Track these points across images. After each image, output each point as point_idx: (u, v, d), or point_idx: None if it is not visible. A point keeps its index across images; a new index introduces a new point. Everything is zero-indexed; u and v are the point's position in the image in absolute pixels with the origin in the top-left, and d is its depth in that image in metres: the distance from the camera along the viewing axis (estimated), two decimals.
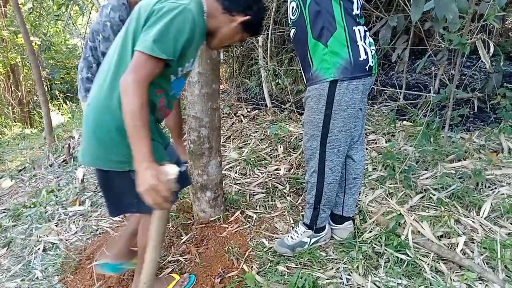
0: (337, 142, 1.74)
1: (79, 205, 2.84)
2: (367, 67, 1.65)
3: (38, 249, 2.31)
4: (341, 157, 1.81)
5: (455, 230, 1.93)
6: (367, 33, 1.70)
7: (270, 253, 1.98)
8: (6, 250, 2.39)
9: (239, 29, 1.38)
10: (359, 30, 1.64)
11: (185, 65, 1.33)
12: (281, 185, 2.65)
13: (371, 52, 1.67)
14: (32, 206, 2.92)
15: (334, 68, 1.61)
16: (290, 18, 1.74)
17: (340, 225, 2.02)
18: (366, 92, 1.76)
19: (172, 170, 1.15)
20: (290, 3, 1.71)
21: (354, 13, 1.62)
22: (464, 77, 3.67)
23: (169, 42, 1.17)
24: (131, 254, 1.79)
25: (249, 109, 4.18)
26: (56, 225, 2.59)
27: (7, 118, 9.26)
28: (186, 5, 1.19)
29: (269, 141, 3.31)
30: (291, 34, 1.78)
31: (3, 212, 2.98)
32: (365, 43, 1.66)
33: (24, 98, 9.92)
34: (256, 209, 2.38)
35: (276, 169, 2.86)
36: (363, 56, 1.63)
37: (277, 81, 4.16)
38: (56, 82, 10.79)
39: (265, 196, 2.53)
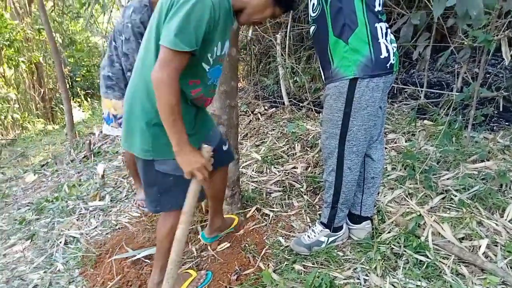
0: (356, 140, 1.72)
1: (99, 200, 2.90)
2: (388, 65, 1.62)
3: (60, 242, 2.38)
4: (359, 156, 1.78)
5: (477, 232, 1.88)
6: (389, 30, 1.67)
7: (286, 251, 1.97)
8: (30, 242, 2.46)
9: (270, 3, 1.38)
10: (381, 27, 1.61)
11: (214, 49, 1.35)
12: (298, 183, 2.63)
13: (393, 49, 1.64)
14: (54, 200, 3.00)
15: (355, 65, 1.59)
16: (311, 15, 1.72)
17: (358, 225, 1.99)
18: (387, 90, 1.73)
19: (209, 149, 1.42)
20: (310, 0, 1.70)
21: (376, 9, 1.59)
22: (488, 75, 3.56)
23: (190, 33, 1.20)
24: (223, 227, 2.06)
25: (266, 107, 4.17)
26: (77, 220, 2.65)
27: (30, 114, 9.54)
28: None
29: (286, 139, 3.30)
30: (311, 31, 1.76)
31: (27, 206, 3.08)
32: (387, 40, 1.63)
33: (47, 94, 10.18)
34: (273, 207, 2.38)
35: (293, 168, 2.85)
36: (384, 54, 1.60)
37: (295, 79, 4.13)
38: (77, 79, 11.04)
39: (281, 195, 2.52)
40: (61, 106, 8.37)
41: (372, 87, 1.61)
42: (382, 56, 1.60)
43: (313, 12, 1.69)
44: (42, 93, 9.95)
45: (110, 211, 2.72)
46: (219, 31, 1.31)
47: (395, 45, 1.68)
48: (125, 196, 2.92)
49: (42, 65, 9.96)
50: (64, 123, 6.69)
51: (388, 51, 1.61)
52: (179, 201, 1.52)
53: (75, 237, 2.42)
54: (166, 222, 1.58)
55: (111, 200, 2.87)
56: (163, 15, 1.25)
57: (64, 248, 2.33)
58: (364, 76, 1.59)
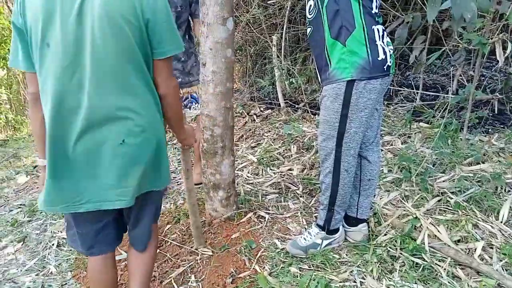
0: (354, 143, 1.71)
1: None
2: (385, 67, 1.62)
3: (53, 244, 2.34)
4: (356, 158, 1.78)
5: (473, 235, 1.88)
6: (385, 33, 1.67)
7: (282, 254, 1.96)
8: (22, 245, 2.42)
9: None
10: (378, 29, 1.61)
11: None
12: (294, 185, 2.62)
13: (389, 51, 1.64)
14: None
15: (352, 68, 1.58)
16: (307, 16, 1.72)
17: (354, 227, 1.98)
18: (383, 92, 1.73)
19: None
20: (307, 1, 1.69)
21: (373, 11, 1.59)
22: (483, 78, 3.59)
23: None
24: None
25: (262, 109, 4.16)
26: None
27: (23, 115, 9.43)
28: None
29: (282, 141, 3.29)
30: (308, 33, 1.75)
31: (19, 208, 3.03)
32: (383, 42, 1.63)
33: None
34: (269, 210, 2.36)
35: (289, 170, 2.84)
36: (381, 56, 1.60)
37: (290, 80, 4.12)
38: None
39: (277, 197, 2.51)
40: None
41: (369, 89, 1.61)
42: (379, 58, 1.59)
43: (310, 14, 1.69)
44: None
45: None
46: None
47: (392, 47, 1.68)
48: None
49: None
50: None
51: (385, 53, 1.61)
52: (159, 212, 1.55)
53: None
54: (153, 248, 1.54)
55: None
56: (135, 30, 1.12)
57: (57, 250, 2.29)
58: (362, 78, 1.59)
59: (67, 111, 1.13)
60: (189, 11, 2.40)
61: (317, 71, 1.81)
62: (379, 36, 1.61)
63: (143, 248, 1.47)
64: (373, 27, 1.59)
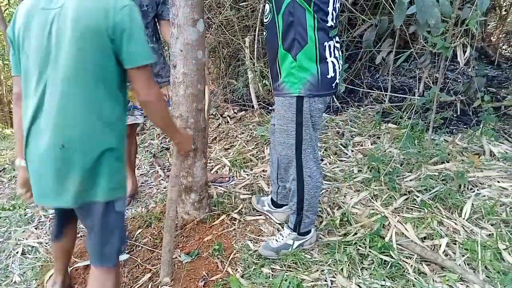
0: (311, 148, 1.75)
1: None
2: (333, 85, 1.66)
3: (17, 252, 2.25)
4: (317, 162, 1.82)
5: (438, 231, 1.95)
6: (338, 45, 1.69)
7: (255, 255, 1.96)
8: None
9: None
10: (329, 45, 1.62)
11: None
12: (267, 187, 2.63)
13: (339, 67, 1.68)
14: (11, 208, 2.84)
15: (301, 83, 1.61)
16: (264, 20, 1.72)
17: (279, 208, 2.10)
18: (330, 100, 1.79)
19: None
20: (266, 3, 1.69)
21: (328, 24, 1.58)
22: (448, 80, 3.73)
23: None
24: None
25: (235, 110, 4.16)
26: (36, 228, 2.52)
27: None
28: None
29: (255, 143, 3.30)
30: (264, 36, 1.76)
31: None
32: (335, 57, 1.65)
33: (5, 97, 9.66)
34: (242, 212, 2.36)
35: (262, 171, 2.85)
36: (331, 73, 1.63)
37: (264, 82, 4.14)
38: None
39: (250, 198, 2.51)
40: None
41: (318, 101, 1.66)
42: (328, 76, 1.62)
43: (265, 18, 1.69)
44: None
45: None
46: None
47: (342, 62, 1.72)
48: None
49: None
50: None
51: (335, 70, 1.64)
52: (124, 239, 1.50)
53: (33, 247, 2.29)
54: (110, 281, 1.42)
55: None
56: (109, 38, 1.20)
57: (22, 258, 2.20)
58: (309, 95, 1.62)
59: (38, 117, 1.27)
60: (155, 11, 2.34)
61: (270, 77, 1.82)
62: (331, 52, 1.62)
63: (95, 263, 1.42)
64: (325, 43, 1.59)
